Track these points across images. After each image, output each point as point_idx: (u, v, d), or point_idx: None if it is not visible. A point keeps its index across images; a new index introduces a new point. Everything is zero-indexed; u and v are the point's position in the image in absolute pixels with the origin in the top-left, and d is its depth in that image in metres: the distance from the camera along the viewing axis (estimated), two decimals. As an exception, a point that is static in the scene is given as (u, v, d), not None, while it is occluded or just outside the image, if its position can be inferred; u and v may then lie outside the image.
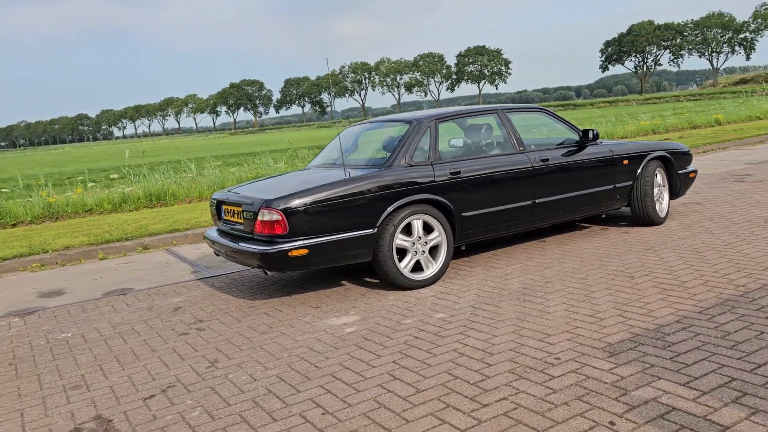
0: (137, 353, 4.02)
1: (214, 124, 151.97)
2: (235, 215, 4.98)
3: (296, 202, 4.51)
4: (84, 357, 4.04)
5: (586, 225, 6.75)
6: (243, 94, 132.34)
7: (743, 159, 11.57)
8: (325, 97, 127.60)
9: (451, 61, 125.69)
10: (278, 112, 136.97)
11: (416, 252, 4.92)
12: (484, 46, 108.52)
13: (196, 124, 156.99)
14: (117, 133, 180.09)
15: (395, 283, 4.83)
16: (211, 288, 5.57)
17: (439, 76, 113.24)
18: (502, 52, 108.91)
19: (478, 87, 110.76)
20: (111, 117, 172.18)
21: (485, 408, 2.77)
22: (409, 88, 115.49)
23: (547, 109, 6.16)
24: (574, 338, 3.51)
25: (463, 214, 5.11)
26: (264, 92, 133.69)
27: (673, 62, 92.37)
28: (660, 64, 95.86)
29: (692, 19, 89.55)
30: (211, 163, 14.66)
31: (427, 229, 4.99)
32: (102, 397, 3.34)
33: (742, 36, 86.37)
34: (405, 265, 4.86)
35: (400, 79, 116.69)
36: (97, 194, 11.71)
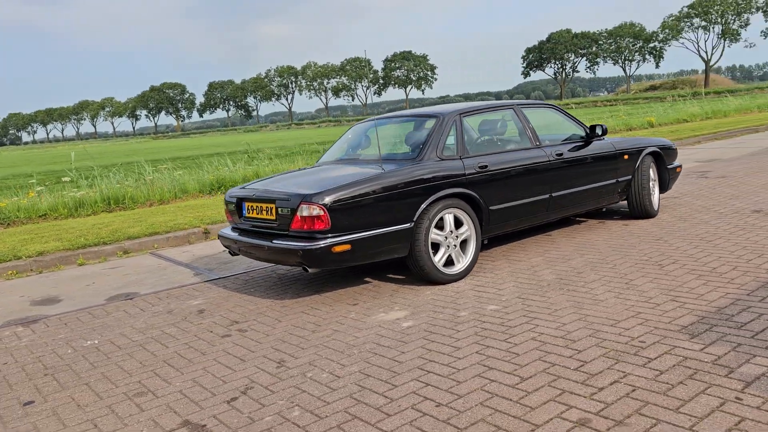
0: (188, 357, 3.79)
1: (134, 128, 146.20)
2: (264, 212, 4.79)
3: (338, 197, 4.40)
4: (129, 363, 3.77)
5: (583, 219, 6.94)
6: (164, 98, 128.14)
7: (691, 158, 12.24)
8: (250, 100, 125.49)
9: (378, 65, 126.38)
10: (202, 116, 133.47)
11: (448, 246, 4.91)
12: (410, 52, 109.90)
13: (114, 129, 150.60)
14: (26, 137, 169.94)
15: (429, 277, 4.79)
16: (225, 289, 5.34)
17: (366, 80, 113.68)
18: (428, 57, 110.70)
19: (405, 92, 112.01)
20: (19, 121, 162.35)
21: (603, 391, 2.79)
22: (336, 92, 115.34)
23: (556, 105, 6.31)
24: (644, 323, 3.59)
25: (490, 208, 5.13)
26: (186, 96, 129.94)
27: (590, 69, 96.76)
28: (577, 71, 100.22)
29: (606, 29, 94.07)
30: (167, 165, 14.08)
31: (457, 223, 4.99)
32: (178, 403, 3.13)
33: (651, 45, 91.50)
34: (438, 260, 4.84)
35: (328, 83, 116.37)
36: (48, 199, 11.00)
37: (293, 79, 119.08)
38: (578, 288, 4.41)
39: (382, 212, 4.57)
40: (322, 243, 4.34)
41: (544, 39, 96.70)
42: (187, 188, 11.90)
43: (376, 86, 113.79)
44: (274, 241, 4.61)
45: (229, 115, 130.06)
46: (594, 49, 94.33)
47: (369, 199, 4.51)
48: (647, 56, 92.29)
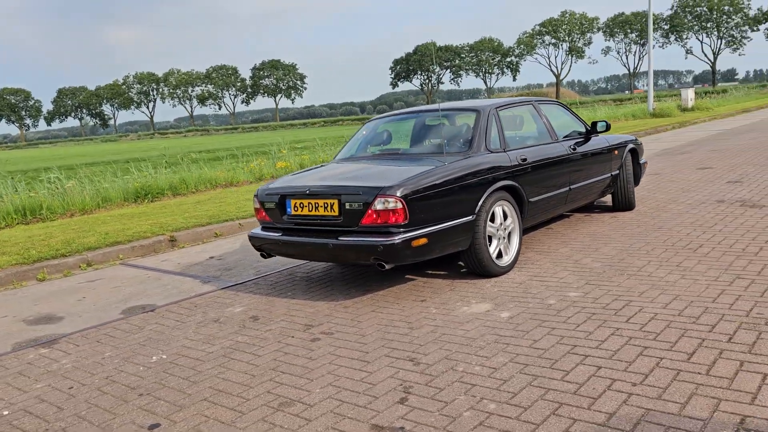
0: (297, 363, 3.48)
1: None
2: (321, 208, 4.51)
3: (413, 189, 4.26)
4: (233, 375, 3.39)
5: (569, 214, 7.25)
6: (5, 105, 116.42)
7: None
8: (106, 108, 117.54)
9: (245, 74, 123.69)
10: (50, 125, 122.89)
11: (499, 239, 4.92)
12: (279, 60, 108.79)
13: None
14: None
15: (485, 270, 4.76)
16: (256, 295, 4.96)
17: (233, 88, 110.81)
18: (297, 66, 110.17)
19: (275, 101, 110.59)
20: None
21: (777, 358, 2.94)
22: (202, 100, 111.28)
23: (560, 102, 6.55)
24: (741, 297, 3.82)
25: (529, 200, 5.22)
26: (32, 103, 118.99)
27: (454, 81, 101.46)
28: (443, 83, 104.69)
29: (468, 43, 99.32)
30: (81, 172, 12.80)
31: (503, 215, 5.01)
32: (344, 408, 2.86)
33: (509, 59, 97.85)
34: (493, 252, 4.83)
35: (192, 91, 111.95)
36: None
37: (155, 87, 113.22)
38: (637, 273, 4.60)
39: (450, 205, 4.50)
40: (401, 237, 4.18)
41: (411, 51, 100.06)
42: (110, 197, 10.92)
43: (245, 95, 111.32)
44: (340, 239, 4.36)
45: (82, 123, 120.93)
46: (457, 61, 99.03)
47: (440, 191, 4.41)
48: (505, 70, 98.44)
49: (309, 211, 4.60)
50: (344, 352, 3.58)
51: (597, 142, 6.41)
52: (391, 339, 3.72)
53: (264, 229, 4.99)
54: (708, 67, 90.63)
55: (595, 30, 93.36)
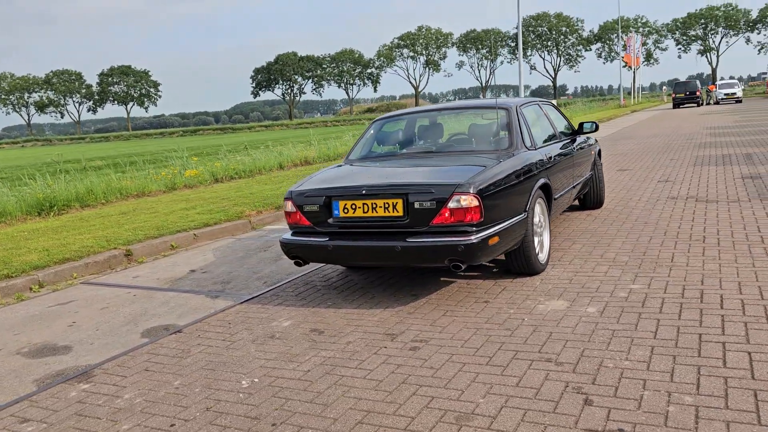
0: (424, 374, 3.18)
1: None
2: (381, 208, 4.20)
3: (485, 186, 4.11)
4: (362, 392, 3.02)
5: (543, 212, 7.41)
6: None
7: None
8: None
9: (91, 79, 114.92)
10: None
11: (538, 236, 4.89)
12: (129, 66, 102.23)
13: None
14: None
15: (531, 268, 4.71)
16: (289, 307, 4.52)
17: (78, 95, 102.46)
18: (150, 73, 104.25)
19: (126, 109, 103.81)
20: None
21: None
22: (41, 107, 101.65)
23: (552, 102, 6.67)
24: (798, 280, 4.09)
25: (554, 198, 5.25)
26: None
27: (316, 91, 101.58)
28: (305, 92, 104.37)
29: (329, 54, 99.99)
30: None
31: (540, 213, 4.98)
32: (537, 416, 2.64)
33: (369, 71, 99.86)
34: (536, 250, 4.80)
35: (29, 97, 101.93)
36: None
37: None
38: (673, 264, 4.77)
39: (511, 203, 4.40)
40: (479, 236, 4.00)
41: (272, 60, 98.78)
42: (8, 210, 9.53)
43: (91, 102, 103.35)
44: (409, 240, 4.08)
45: None
46: (319, 72, 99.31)
47: (503, 188, 4.30)
48: (366, 81, 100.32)
49: (364, 212, 4.26)
50: (466, 358, 3.34)
51: (584, 141, 6.63)
52: (502, 341, 3.53)
53: (298, 233, 4.56)
54: (542, 83, 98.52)
55: (449, 45, 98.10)
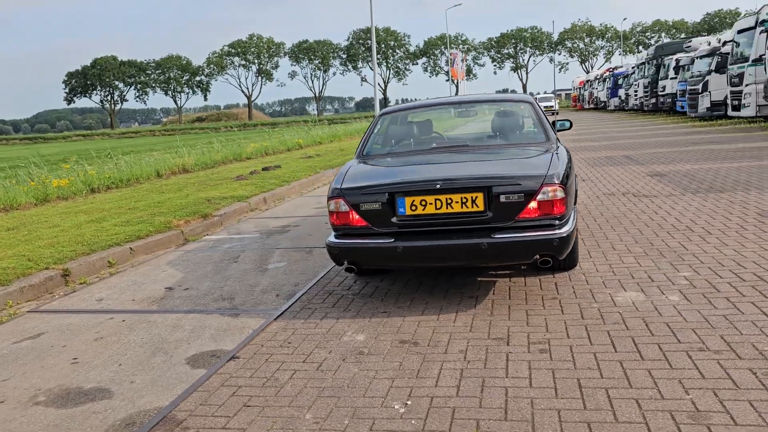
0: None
1: None
2: (456, 203, 3.84)
3: (566, 178, 3.96)
4: (566, 403, 2.70)
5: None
6: None
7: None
8: None
9: None
10: None
11: (570, 230, 4.85)
12: None
13: None
14: None
15: (574, 262, 4.65)
16: (338, 319, 4.01)
17: None
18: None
19: None
20: None
21: None
22: None
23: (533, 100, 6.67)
24: (824, 259, 4.45)
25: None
26: None
27: (140, 99, 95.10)
28: (127, 99, 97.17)
29: (154, 59, 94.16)
30: None
31: (567, 207, 4.95)
32: None
33: (199, 78, 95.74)
34: (573, 244, 4.75)
35: None
36: None
37: None
38: (702, 253, 4.98)
39: (573, 195, 4.30)
40: (568, 229, 3.84)
41: (89, 64, 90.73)
42: None
43: None
44: (496, 236, 3.79)
45: None
46: (143, 78, 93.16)
47: (572, 182, 4.19)
48: (195, 89, 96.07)
49: (437, 208, 3.89)
50: (614, 356, 3.14)
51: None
52: (628, 335, 3.38)
53: (349, 236, 4.05)
54: (366, 95, 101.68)
55: (282, 54, 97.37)
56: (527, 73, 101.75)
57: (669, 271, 4.49)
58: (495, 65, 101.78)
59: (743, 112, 19.46)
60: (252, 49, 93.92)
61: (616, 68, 50.67)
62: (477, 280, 4.61)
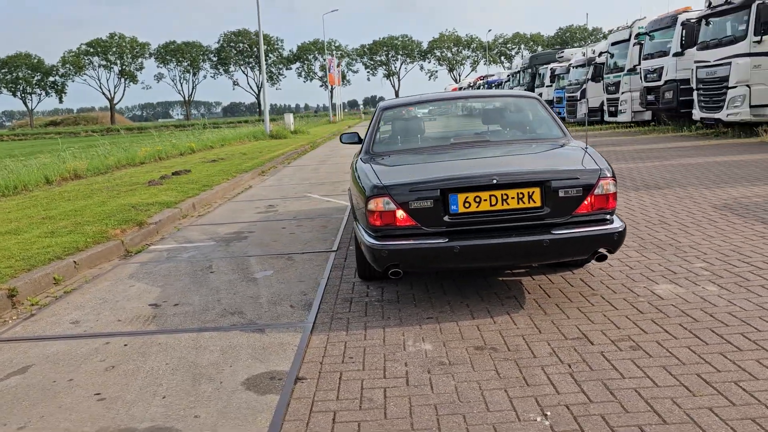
0: (725, 368, 2.87)
1: None
2: (513, 199, 3.65)
3: (614, 173, 3.90)
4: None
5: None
6: None
7: (308, 176, 13.61)
8: None
9: None
10: None
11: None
12: None
13: None
14: None
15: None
16: (396, 327, 3.69)
17: None
18: None
19: None
20: None
21: None
22: None
23: None
24: (813, 246, 4.77)
25: None
26: None
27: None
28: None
29: (0, 57, 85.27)
30: None
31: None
32: None
33: (52, 79, 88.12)
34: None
35: None
36: None
37: None
38: (688, 243, 5.17)
39: None
40: (620, 223, 3.78)
41: None
42: None
43: None
44: (555, 233, 3.64)
45: None
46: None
47: None
48: (49, 90, 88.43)
49: (491, 205, 3.67)
50: (705, 348, 3.10)
51: None
52: (684, 334, 3.37)
53: (393, 237, 3.72)
54: (235, 100, 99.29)
55: (147, 55, 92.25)
56: (399, 80, 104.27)
57: (681, 263, 4.59)
58: (368, 72, 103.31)
59: (620, 118, 21.14)
60: (113, 49, 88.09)
61: (487, 76, 53.32)
62: (500, 280, 4.45)
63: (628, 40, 21.05)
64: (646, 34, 19.49)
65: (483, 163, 4.12)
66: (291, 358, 3.34)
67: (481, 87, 49.00)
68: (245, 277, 5.08)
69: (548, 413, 2.57)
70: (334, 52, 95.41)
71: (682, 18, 17.39)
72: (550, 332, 3.45)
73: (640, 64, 19.75)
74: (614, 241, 3.69)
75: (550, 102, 30.22)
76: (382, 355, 3.30)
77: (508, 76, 39.93)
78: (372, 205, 3.74)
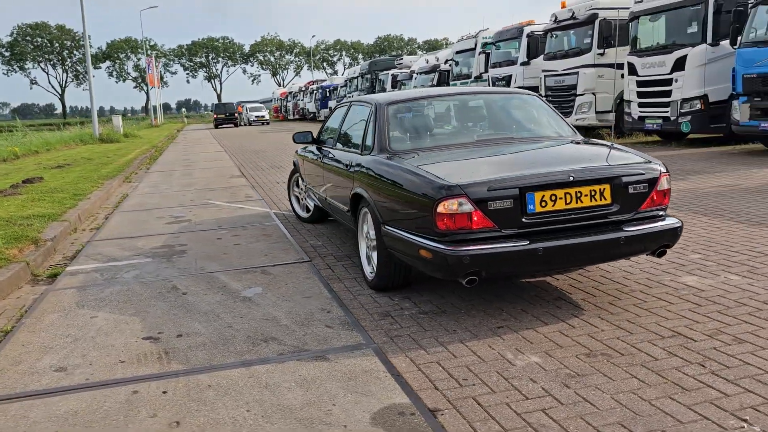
0: None
1: None
2: (586, 197, 3.50)
3: None
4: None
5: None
6: None
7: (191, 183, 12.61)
8: None
9: None
10: None
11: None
12: None
13: None
14: None
15: None
16: (474, 341, 3.36)
17: None
18: None
19: None
20: None
21: None
22: None
23: None
24: (772, 234, 5.24)
25: None
26: None
27: None
28: None
29: None
30: None
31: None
32: None
33: None
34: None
35: None
36: None
37: None
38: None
39: None
40: (674, 218, 3.81)
41: None
42: None
43: None
44: (628, 229, 3.56)
45: None
46: None
47: None
48: None
49: (566, 203, 3.49)
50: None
51: None
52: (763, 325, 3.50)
53: (464, 242, 3.38)
54: (28, 101, 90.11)
55: None
56: (221, 83, 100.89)
57: (686, 254, 4.73)
58: (188, 74, 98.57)
59: (469, 122, 22.26)
60: None
61: (318, 81, 53.38)
62: (532, 285, 4.29)
63: (474, 49, 22.23)
64: (492, 43, 20.74)
65: (550, 160, 3.92)
66: (395, 387, 2.87)
67: (315, 92, 48.89)
68: (232, 296, 4.38)
69: (747, 417, 2.44)
70: (149, 52, 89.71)
71: (527, 30, 18.77)
72: (639, 332, 3.35)
73: (487, 71, 20.97)
74: (676, 235, 3.71)
75: (393, 107, 31.00)
76: (495, 373, 2.96)
77: (345, 81, 40.25)
78: (443, 207, 3.36)
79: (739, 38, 11.00)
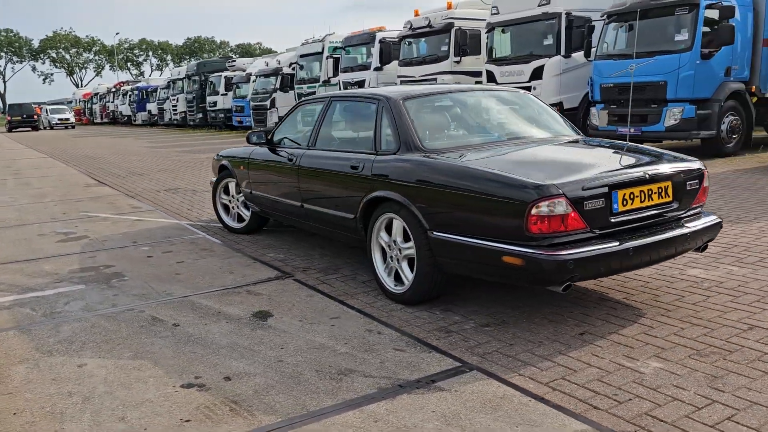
0: None
1: None
2: (655, 195, 3.44)
3: None
4: None
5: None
6: None
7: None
8: None
9: None
10: None
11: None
12: None
13: None
14: None
15: None
16: (565, 356, 3.16)
17: None
18: None
19: None
20: None
21: None
22: None
23: None
24: None
25: None
26: None
27: None
28: None
29: None
30: None
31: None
32: None
33: None
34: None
35: None
36: None
37: None
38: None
39: None
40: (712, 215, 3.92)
41: None
42: None
43: None
44: (689, 225, 3.59)
45: None
46: None
47: None
48: None
49: (641, 201, 3.40)
50: None
51: None
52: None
53: (557, 246, 3.13)
54: None
55: None
56: (5, 82, 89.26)
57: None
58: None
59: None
60: None
61: (128, 82, 49.38)
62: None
63: (321, 53, 21.98)
64: (342, 48, 20.67)
65: (608, 159, 3.78)
66: (555, 413, 2.55)
67: (129, 93, 45.06)
68: (242, 324, 3.68)
69: None
70: None
71: (380, 36, 18.98)
72: (717, 328, 3.36)
73: (336, 75, 20.86)
74: (719, 231, 3.82)
75: (228, 110, 29.57)
76: (635, 384, 2.76)
77: (168, 82, 37.59)
78: (538, 209, 3.09)
79: (593, 51, 12.11)
